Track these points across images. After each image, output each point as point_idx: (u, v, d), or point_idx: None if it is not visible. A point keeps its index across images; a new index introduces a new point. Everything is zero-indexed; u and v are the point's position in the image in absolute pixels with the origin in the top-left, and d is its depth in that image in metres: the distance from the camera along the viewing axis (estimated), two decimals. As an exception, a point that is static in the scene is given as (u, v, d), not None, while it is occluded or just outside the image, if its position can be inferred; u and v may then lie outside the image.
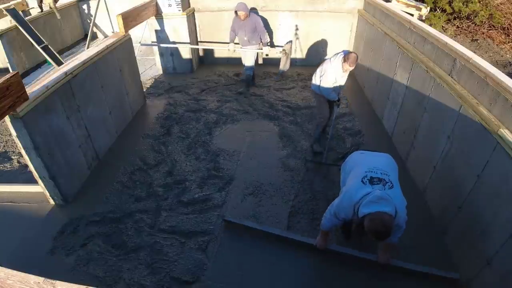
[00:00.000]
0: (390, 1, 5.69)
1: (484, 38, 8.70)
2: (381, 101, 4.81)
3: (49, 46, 6.62)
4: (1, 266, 1.18)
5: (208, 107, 5.25)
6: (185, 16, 5.93)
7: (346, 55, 3.61)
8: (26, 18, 6.90)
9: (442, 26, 8.92)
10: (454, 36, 8.80)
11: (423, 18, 5.64)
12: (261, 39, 5.40)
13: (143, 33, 6.22)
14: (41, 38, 6.53)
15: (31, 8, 7.94)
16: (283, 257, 2.88)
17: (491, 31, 8.76)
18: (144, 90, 5.59)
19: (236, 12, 5.17)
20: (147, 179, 3.78)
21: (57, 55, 6.68)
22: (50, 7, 7.53)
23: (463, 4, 8.73)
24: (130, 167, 3.92)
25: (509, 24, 8.65)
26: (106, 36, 8.63)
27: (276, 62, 6.32)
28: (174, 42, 6.09)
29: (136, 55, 5.12)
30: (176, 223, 3.21)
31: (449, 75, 3.09)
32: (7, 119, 2.76)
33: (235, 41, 5.54)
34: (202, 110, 5.15)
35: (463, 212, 2.71)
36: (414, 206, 2.75)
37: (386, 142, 4.29)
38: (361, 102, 5.39)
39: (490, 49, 8.36)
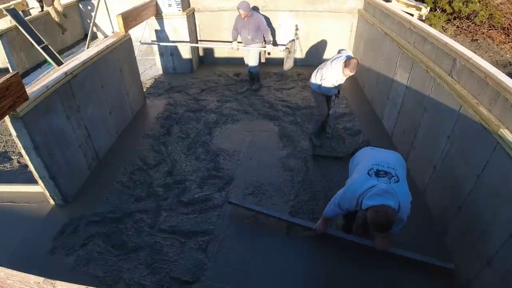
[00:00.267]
0: (390, 1, 5.69)
1: (484, 38, 8.70)
2: (381, 101, 4.81)
3: (49, 46, 6.62)
4: (1, 266, 1.18)
5: (208, 107, 5.25)
6: (185, 16, 5.93)
7: (347, 60, 3.61)
8: (26, 18, 6.90)
9: (442, 26, 8.92)
10: (454, 36, 8.80)
11: (423, 18, 5.64)
12: (264, 38, 5.40)
13: (143, 33, 6.21)
14: (41, 38, 6.53)
15: (31, 8, 7.95)
16: (284, 257, 2.87)
17: (491, 31, 8.77)
18: (144, 90, 5.60)
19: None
20: (147, 179, 3.78)
21: (57, 55, 6.68)
22: (58, 23, 7.57)
23: (463, 4, 8.73)
24: (130, 167, 3.92)
25: (509, 24, 8.65)
26: (106, 36, 8.63)
27: (276, 62, 6.35)
28: (174, 41, 6.08)
29: (136, 55, 5.12)
30: (176, 223, 3.21)
31: (449, 75, 3.09)
32: (7, 119, 2.76)
33: (238, 40, 5.55)
34: (202, 110, 5.15)
35: (463, 212, 2.71)
36: (414, 206, 2.75)
37: (386, 142, 4.28)
38: (361, 102, 5.39)
39: (490, 49, 8.36)
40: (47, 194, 3.36)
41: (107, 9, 8.37)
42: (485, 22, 8.73)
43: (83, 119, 3.68)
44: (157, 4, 5.75)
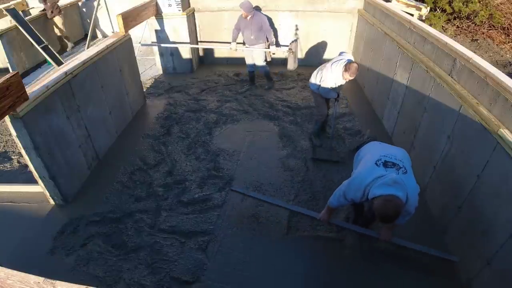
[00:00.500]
0: (390, 1, 5.69)
1: (484, 38, 8.70)
2: (381, 101, 4.81)
3: (49, 46, 6.62)
4: (1, 266, 1.17)
5: (208, 107, 5.25)
6: (185, 16, 5.93)
7: (348, 64, 3.60)
8: (26, 18, 6.90)
9: (442, 26, 8.92)
10: (454, 36, 8.80)
11: (423, 18, 5.64)
12: (267, 38, 5.41)
13: (143, 33, 6.21)
14: (41, 38, 6.53)
15: (31, 8, 7.95)
16: (284, 257, 2.88)
17: (491, 31, 8.76)
18: (144, 90, 5.60)
19: None
20: (147, 179, 3.78)
21: (57, 55, 6.68)
22: (63, 38, 7.59)
23: (463, 4, 8.73)
24: (130, 167, 3.92)
25: (509, 24, 8.65)
26: (105, 36, 8.63)
27: (276, 62, 6.35)
28: (174, 42, 6.09)
29: (136, 55, 5.12)
30: (176, 223, 3.21)
31: (449, 75, 3.09)
32: (7, 119, 2.76)
33: (238, 40, 5.54)
34: (202, 110, 5.15)
35: (463, 212, 2.71)
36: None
37: (386, 142, 4.23)
38: (361, 102, 5.39)
39: (490, 49, 8.36)
40: (47, 194, 3.36)
41: (107, 9, 8.38)
42: (485, 22, 8.73)
43: (83, 119, 3.68)
44: (157, 4, 5.75)
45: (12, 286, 1.11)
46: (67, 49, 7.84)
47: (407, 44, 4.00)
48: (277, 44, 6.19)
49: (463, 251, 2.68)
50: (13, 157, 4.20)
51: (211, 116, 4.96)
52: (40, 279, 1.12)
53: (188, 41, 6.17)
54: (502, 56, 8.10)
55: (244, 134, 4.58)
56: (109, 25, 8.66)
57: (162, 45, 6.04)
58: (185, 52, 6.33)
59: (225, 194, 3.54)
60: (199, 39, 6.66)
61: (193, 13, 6.33)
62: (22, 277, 1.13)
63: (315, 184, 3.67)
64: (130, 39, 4.75)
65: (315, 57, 6.52)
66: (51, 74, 3.31)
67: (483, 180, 2.48)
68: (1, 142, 4.52)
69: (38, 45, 6.41)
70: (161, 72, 6.57)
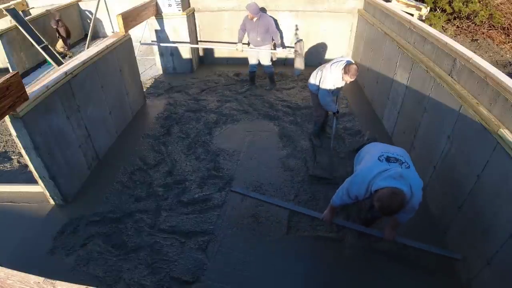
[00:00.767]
0: (390, 1, 5.69)
1: (484, 38, 8.70)
2: (381, 101, 4.81)
3: (49, 46, 6.62)
4: (1, 266, 1.17)
5: (208, 107, 5.25)
6: (185, 16, 5.93)
7: (347, 66, 3.56)
8: (26, 18, 6.90)
9: (442, 26, 8.92)
10: (454, 36, 8.81)
11: (423, 18, 5.65)
12: (273, 40, 5.42)
13: (143, 33, 6.21)
14: (41, 38, 6.53)
15: (31, 8, 7.95)
16: (284, 257, 2.88)
17: (491, 31, 8.77)
18: (144, 90, 5.60)
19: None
20: (147, 179, 3.78)
21: (57, 55, 6.68)
22: (63, 52, 7.56)
23: (463, 4, 8.73)
24: (130, 167, 3.92)
25: (509, 24, 8.66)
26: (105, 36, 8.63)
27: (277, 63, 6.35)
28: (174, 42, 6.09)
29: (136, 55, 5.12)
30: (176, 223, 3.21)
31: (449, 75, 3.09)
32: (7, 119, 2.76)
33: (243, 41, 5.55)
34: (202, 110, 5.15)
35: (463, 212, 2.71)
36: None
37: (386, 142, 4.25)
38: (361, 102, 5.39)
39: (490, 49, 8.36)
40: (47, 194, 3.36)
41: (107, 9, 8.37)
42: (485, 22, 8.73)
43: (83, 119, 3.68)
44: (157, 4, 5.75)
45: (12, 286, 1.11)
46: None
47: (407, 44, 4.00)
48: (283, 46, 6.19)
49: (463, 251, 2.68)
50: (13, 157, 4.20)
51: (211, 116, 4.96)
52: (40, 279, 1.12)
53: (188, 41, 6.16)
54: (502, 56, 8.10)
55: (244, 134, 4.58)
56: (109, 25, 8.66)
57: (162, 44, 6.03)
58: (185, 52, 6.33)
59: (225, 194, 3.54)
60: (199, 39, 6.66)
61: (193, 13, 6.33)
62: (22, 277, 1.13)
63: (315, 184, 3.67)
64: (130, 39, 4.75)
65: (315, 57, 6.52)
66: (51, 74, 3.30)
67: (483, 180, 2.48)
68: (1, 142, 4.52)
69: (38, 45, 6.41)
70: (161, 72, 6.57)
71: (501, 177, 2.27)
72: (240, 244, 3.00)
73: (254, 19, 5.17)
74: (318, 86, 3.87)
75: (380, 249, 2.87)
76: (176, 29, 6.02)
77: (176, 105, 5.28)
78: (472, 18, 8.85)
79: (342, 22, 6.23)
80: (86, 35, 7.70)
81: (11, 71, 4.40)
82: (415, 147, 3.66)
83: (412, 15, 5.42)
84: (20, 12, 6.77)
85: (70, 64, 3.53)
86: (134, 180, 3.76)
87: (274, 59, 5.83)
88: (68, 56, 7.41)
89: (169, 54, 6.34)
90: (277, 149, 4.28)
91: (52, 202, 3.44)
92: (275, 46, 5.52)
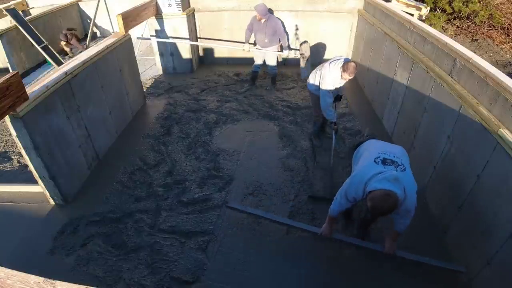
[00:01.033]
0: (390, 1, 5.68)
1: (484, 38, 8.70)
2: (381, 101, 4.81)
3: (49, 46, 6.62)
4: (1, 266, 1.17)
5: (208, 107, 5.25)
6: (185, 16, 5.93)
7: (345, 64, 3.57)
8: (26, 18, 6.90)
9: (442, 26, 8.92)
10: (454, 36, 8.80)
11: (423, 18, 5.64)
12: (280, 41, 5.42)
13: (142, 33, 6.22)
14: (41, 38, 6.53)
15: (31, 8, 7.95)
16: (284, 257, 2.87)
17: (491, 31, 8.76)
18: (144, 90, 5.59)
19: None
20: (147, 179, 3.78)
21: (57, 55, 6.68)
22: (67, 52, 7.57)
23: (463, 4, 8.73)
24: (130, 167, 3.92)
25: (509, 24, 8.65)
26: (105, 36, 8.63)
27: (278, 62, 6.34)
28: (172, 37, 6.04)
29: (136, 55, 5.12)
30: (176, 223, 3.21)
31: (449, 75, 3.09)
32: (7, 119, 2.76)
33: (250, 41, 5.57)
34: (202, 110, 5.15)
35: (463, 212, 2.71)
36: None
37: (386, 142, 4.28)
38: (361, 102, 5.39)
39: (490, 49, 8.36)
40: (47, 194, 3.36)
41: (107, 9, 8.37)
42: (485, 22, 8.73)
43: (83, 119, 3.68)
44: (157, 4, 5.75)
45: (12, 286, 1.11)
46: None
47: (407, 44, 4.00)
48: (290, 48, 6.21)
49: (463, 251, 2.68)
50: (13, 157, 4.20)
51: (211, 116, 4.96)
52: (40, 279, 1.12)
53: (187, 38, 6.15)
54: (502, 56, 8.10)
55: (244, 134, 4.58)
56: (109, 25, 8.66)
57: (159, 40, 5.98)
58: (185, 52, 6.33)
59: (225, 194, 3.54)
60: (199, 42, 6.66)
61: (193, 13, 6.33)
62: (22, 277, 1.13)
63: (315, 184, 3.67)
64: (130, 39, 4.74)
65: (315, 57, 6.50)
66: (51, 74, 3.30)
67: (483, 180, 2.48)
68: (1, 142, 4.52)
69: (38, 45, 6.41)
70: (161, 72, 6.57)
71: (501, 177, 2.27)
72: (240, 244, 3.00)
73: (262, 21, 5.17)
74: (317, 86, 3.88)
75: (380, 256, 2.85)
76: (176, 29, 6.02)
77: (176, 105, 5.28)
78: (472, 18, 8.85)
79: (342, 22, 6.23)
80: (86, 35, 7.70)
81: (11, 71, 4.41)
82: (415, 147, 3.66)
83: (412, 15, 5.41)
84: (20, 12, 6.76)
85: (70, 64, 3.53)
86: (134, 180, 3.76)
87: (279, 60, 5.84)
88: (68, 56, 7.41)
89: (169, 54, 6.34)
90: (277, 149, 4.28)
91: (52, 202, 3.44)
92: (281, 48, 5.53)
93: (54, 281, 1.11)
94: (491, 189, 2.39)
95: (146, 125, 4.81)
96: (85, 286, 1.07)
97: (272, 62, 5.62)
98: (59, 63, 6.46)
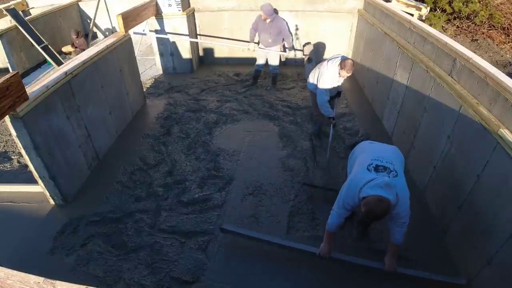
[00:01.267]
0: (390, 1, 5.69)
1: (484, 38, 8.71)
2: (381, 101, 4.81)
3: (49, 46, 6.62)
4: (1, 266, 1.18)
5: (208, 107, 5.25)
6: (185, 16, 5.93)
7: (343, 61, 3.61)
8: (26, 18, 6.90)
9: (442, 26, 8.92)
10: (454, 36, 8.81)
11: (423, 18, 5.64)
12: (283, 40, 5.43)
13: (143, 29, 6.21)
14: (41, 38, 6.53)
15: (31, 8, 7.95)
16: (284, 257, 2.87)
17: (491, 31, 8.77)
18: (144, 90, 5.59)
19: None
20: (147, 179, 3.78)
21: (57, 55, 6.68)
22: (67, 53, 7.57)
23: (463, 4, 8.73)
24: (130, 167, 3.92)
25: (509, 24, 8.66)
26: (105, 36, 8.63)
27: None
28: (169, 33, 6.03)
29: (136, 55, 5.12)
30: (176, 223, 3.21)
31: (449, 75, 3.09)
32: (7, 119, 2.76)
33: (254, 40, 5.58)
34: (202, 110, 5.15)
35: (463, 212, 2.71)
36: (414, 206, 2.71)
37: (386, 142, 4.23)
38: (361, 102, 5.39)
39: (490, 49, 8.36)
40: (47, 194, 3.36)
41: (107, 9, 8.37)
42: (485, 22, 8.73)
43: (83, 119, 3.68)
44: (157, 4, 5.75)
45: (12, 286, 1.11)
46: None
47: (407, 44, 4.00)
48: (294, 48, 6.22)
49: (463, 251, 2.68)
50: (13, 157, 4.20)
51: (211, 116, 4.96)
52: (40, 279, 1.12)
53: (188, 43, 6.16)
54: (502, 56, 8.10)
55: (244, 134, 4.58)
56: (109, 25, 8.66)
57: (157, 35, 5.95)
58: (185, 52, 6.33)
59: (225, 194, 3.54)
60: (199, 40, 6.66)
61: (193, 13, 6.33)
62: (22, 277, 1.13)
63: (315, 184, 3.66)
64: (130, 39, 4.75)
65: (315, 57, 6.51)
66: (51, 74, 3.30)
67: (483, 180, 2.48)
68: (1, 142, 4.52)
69: (38, 45, 6.41)
70: (161, 72, 6.57)
71: (501, 177, 2.27)
72: (240, 244, 2.99)
73: (268, 21, 5.17)
74: (316, 85, 3.90)
75: (376, 249, 2.85)
76: (176, 29, 6.02)
77: (176, 105, 5.28)
78: (472, 18, 8.85)
79: (342, 22, 6.23)
80: (87, 35, 7.70)
81: (11, 71, 4.41)
82: (415, 147, 3.66)
83: (412, 15, 5.42)
84: (20, 12, 6.76)
85: (70, 64, 3.53)
86: (134, 180, 3.76)
87: (282, 60, 5.84)
88: (68, 57, 7.41)
89: (169, 54, 6.34)
90: (277, 149, 4.28)
91: (52, 202, 3.44)
92: (284, 48, 5.53)
93: (54, 281, 1.11)
94: (491, 189, 2.39)
95: (146, 125, 4.81)
96: (85, 286, 1.07)
97: (274, 62, 5.62)
98: (59, 63, 6.46)
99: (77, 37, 7.03)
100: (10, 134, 3.80)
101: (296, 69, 6.46)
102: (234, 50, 6.53)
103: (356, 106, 5.24)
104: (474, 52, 4.83)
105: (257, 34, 5.49)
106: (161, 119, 4.91)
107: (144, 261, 2.85)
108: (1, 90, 2.48)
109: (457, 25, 9.06)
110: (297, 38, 6.45)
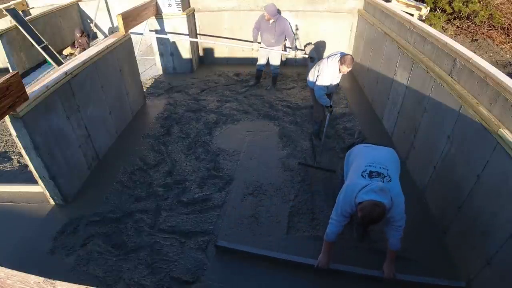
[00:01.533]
0: (390, 1, 5.69)
1: (484, 38, 8.71)
2: (381, 101, 4.81)
3: (49, 46, 6.62)
4: (1, 266, 1.18)
5: (208, 107, 5.25)
6: (185, 16, 5.93)
7: (342, 57, 3.69)
8: (26, 18, 6.90)
9: (442, 26, 8.92)
10: (454, 36, 8.81)
11: (423, 18, 5.65)
12: (285, 39, 5.44)
13: (142, 33, 6.20)
14: (41, 38, 6.53)
15: (31, 8, 7.95)
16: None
17: (491, 31, 8.77)
18: (144, 90, 5.59)
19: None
20: (147, 179, 3.78)
21: (57, 55, 6.68)
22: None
23: (463, 4, 8.73)
24: (130, 167, 3.92)
25: (509, 24, 8.65)
26: (105, 36, 8.63)
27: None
28: (168, 32, 6.03)
29: (136, 55, 5.12)
30: (176, 223, 3.21)
31: (449, 75, 3.09)
32: (7, 119, 2.76)
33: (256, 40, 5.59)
34: (202, 110, 5.15)
35: (463, 212, 2.71)
36: (414, 206, 2.74)
37: (386, 142, 4.28)
38: (361, 102, 5.39)
39: (490, 49, 8.36)
40: (47, 194, 3.36)
41: (107, 9, 8.37)
42: (485, 22, 8.73)
43: (83, 119, 3.68)
44: (157, 4, 5.75)
45: (12, 286, 1.11)
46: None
47: (407, 44, 4.00)
48: (297, 48, 6.22)
49: (463, 251, 2.68)
50: (13, 157, 4.20)
51: (211, 116, 4.96)
52: (40, 279, 1.12)
53: (188, 43, 6.16)
54: (502, 56, 8.10)
55: (244, 134, 4.58)
56: (109, 25, 8.66)
57: (157, 35, 5.95)
58: (185, 52, 6.33)
59: (225, 194, 3.54)
60: (198, 40, 6.66)
61: (193, 13, 6.33)
62: (22, 277, 1.13)
63: (315, 184, 3.67)
64: (130, 39, 4.75)
65: (317, 55, 6.51)
66: (51, 74, 3.30)
67: (483, 180, 2.48)
68: (1, 142, 4.52)
69: (38, 45, 6.41)
70: (161, 72, 6.57)
71: (501, 177, 2.27)
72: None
73: (271, 21, 5.17)
74: (315, 82, 3.94)
75: (376, 248, 2.85)
76: (176, 29, 6.02)
77: (176, 105, 5.28)
78: (472, 18, 8.85)
79: (342, 22, 6.23)
80: (88, 35, 7.70)
81: (11, 71, 4.41)
82: (415, 147, 3.66)
83: (412, 15, 5.42)
84: (20, 12, 6.76)
85: (70, 64, 3.53)
86: (134, 180, 3.76)
87: (283, 59, 5.84)
88: (68, 57, 7.41)
89: (169, 54, 6.34)
90: (277, 149, 4.28)
91: (52, 202, 3.43)
92: (285, 47, 5.53)
93: (54, 281, 1.11)
94: (491, 189, 2.39)
95: (146, 125, 4.81)
96: (85, 286, 1.07)
97: (276, 62, 5.62)
98: (59, 63, 6.46)
99: (81, 36, 7.03)
100: (10, 134, 3.80)
101: (296, 69, 6.46)
102: (234, 50, 6.53)
103: (356, 106, 5.24)
104: (474, 52, 4.82)
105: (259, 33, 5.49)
106: (161, 119, 4.91)
107: (144, 261, 2.85)
108: (1, 90, 2.48)
109: (457, 25, 9.06)
110: (297, 38, 6.44)
